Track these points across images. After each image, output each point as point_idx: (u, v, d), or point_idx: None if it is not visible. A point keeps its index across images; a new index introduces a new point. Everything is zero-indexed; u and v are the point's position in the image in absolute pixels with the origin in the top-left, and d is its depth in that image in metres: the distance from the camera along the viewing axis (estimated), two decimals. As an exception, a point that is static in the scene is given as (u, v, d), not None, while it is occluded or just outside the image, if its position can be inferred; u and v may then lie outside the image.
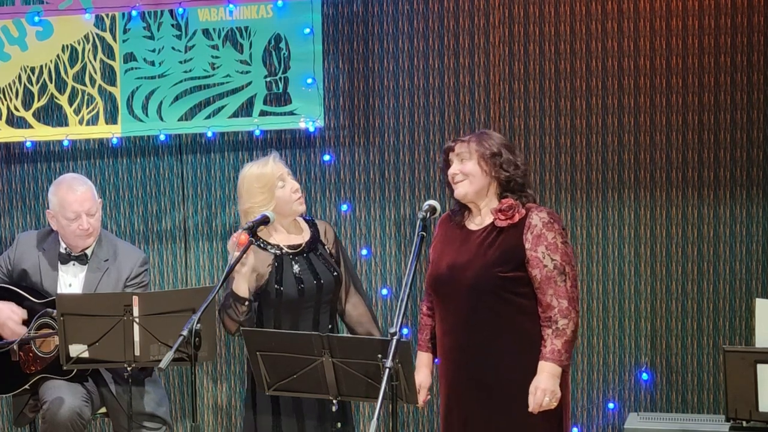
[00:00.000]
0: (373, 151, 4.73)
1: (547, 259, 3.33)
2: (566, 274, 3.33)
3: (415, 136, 4.70)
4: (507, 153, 3.44)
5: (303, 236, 3.76)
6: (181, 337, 3.19)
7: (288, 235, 3.74)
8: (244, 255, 3.45)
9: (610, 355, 4.59)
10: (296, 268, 3.65)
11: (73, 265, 4.10)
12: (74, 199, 4.05)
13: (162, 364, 3.18)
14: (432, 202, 3.42)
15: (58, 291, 4.06)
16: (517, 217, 3.38)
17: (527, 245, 3.34)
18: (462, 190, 3.41)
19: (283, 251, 3.68)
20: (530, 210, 3.41)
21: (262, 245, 3.65)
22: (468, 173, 3.41)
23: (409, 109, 4.70)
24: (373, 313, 3.91)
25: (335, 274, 3.70)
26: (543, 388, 3.28)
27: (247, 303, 3.57)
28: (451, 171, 3.45)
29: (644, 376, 4.55)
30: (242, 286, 3.55)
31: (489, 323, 3.35)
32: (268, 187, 3.65)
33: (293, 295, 3.62)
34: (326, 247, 3.76)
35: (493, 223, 3.41)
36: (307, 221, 3.82)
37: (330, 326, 3.71)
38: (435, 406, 4.07)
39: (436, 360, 3.60)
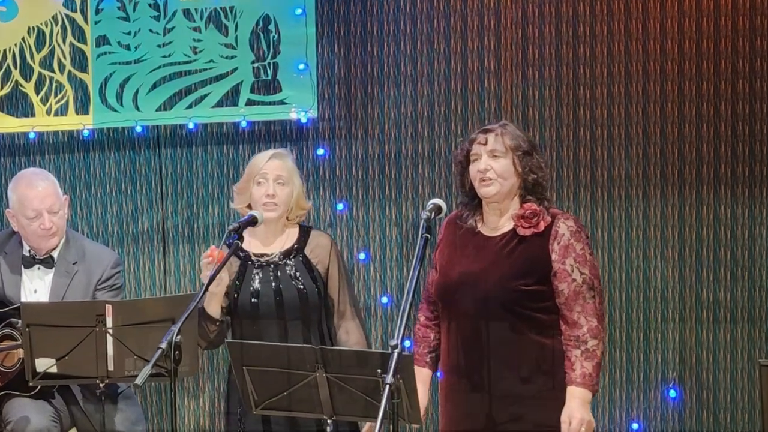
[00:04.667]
0: (372, 144, 4.72)
1: (576, 273, 3.29)
2: (595, 290, 3.30)
3: (418, 127, 4.70)
4: (535, 152, 3.41)
5: (282, 244, 3.75)
6: (160, 350, 3.18)
7: (264, 241, 3.74)
8: (219, 273, 3.47)
9: (633, 370, 4.59)
10: (257, 279, 3.67)
11: (38, 268, 4.10)
12: (35, 195, 4.04)
13: (138, 381, 3.17)
14: (437, 200, 3.38)
15: (22, 298, 4.05)
16: (542, 225, 3.33)
17: (554, 256, 3.30)
18: (493, 189, 3.35)
19: (251, 259, 3.70)
20: (556, 217, 3.37)
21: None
22: (501, 173, 3.36)
23: (411, 97, 4.69)
24: (369, 343, 3.90)
25: (304, 290, 3.67)
26: (579, 418, 3.24)
27: (217, 323, 3.63)
28: (481, 166, 3.36)
29: (672, 393, 4.55)
30: (213, 306, 3.60)
31: (504, 338, 3.32)
32: (249, 178, 3.71)
33: (247, 308, 3.65)
34: (312, 262, 3.74)
35: (513, 230, 3.37)
36: (302, 228, 3.81)
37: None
38: (436, 423, 4.06)
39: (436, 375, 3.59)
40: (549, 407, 3.32)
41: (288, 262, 3.72)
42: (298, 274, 3.70)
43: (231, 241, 3.47)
